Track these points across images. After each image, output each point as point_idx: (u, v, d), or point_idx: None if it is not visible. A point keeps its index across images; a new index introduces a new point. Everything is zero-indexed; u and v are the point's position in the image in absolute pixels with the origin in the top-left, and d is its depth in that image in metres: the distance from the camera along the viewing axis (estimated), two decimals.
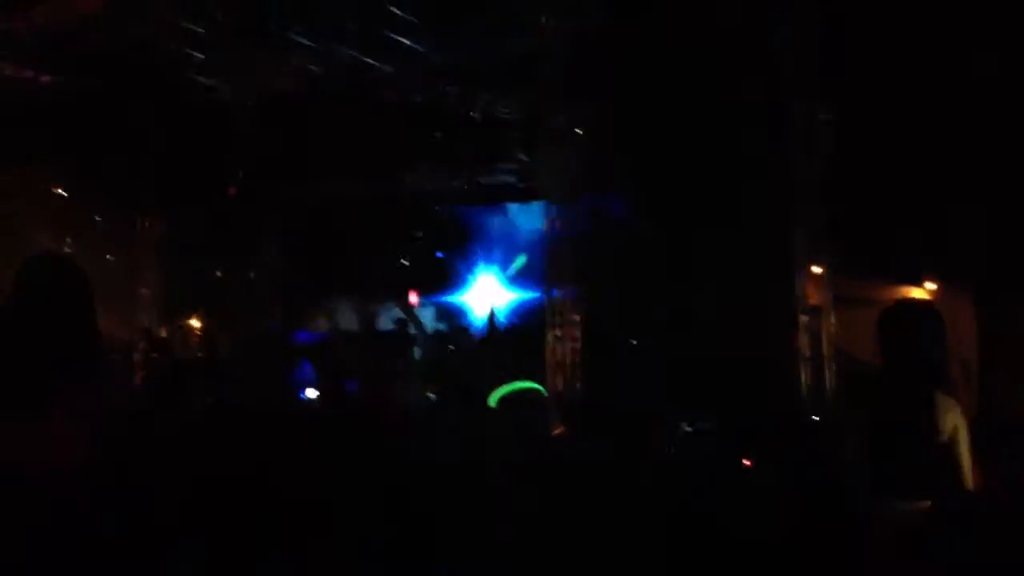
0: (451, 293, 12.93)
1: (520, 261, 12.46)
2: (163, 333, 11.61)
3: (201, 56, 10.28)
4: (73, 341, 1.82)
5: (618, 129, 9.72)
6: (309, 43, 9.83)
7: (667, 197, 9.69)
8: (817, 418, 8.05)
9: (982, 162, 7.81)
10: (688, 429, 6.46)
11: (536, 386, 3.46)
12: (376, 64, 10.01)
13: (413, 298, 12.55)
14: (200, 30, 9.92)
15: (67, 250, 11.84)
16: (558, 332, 9.43)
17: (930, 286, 9.25)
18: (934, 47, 7.69)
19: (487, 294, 12.66)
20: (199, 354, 11.46)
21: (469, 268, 12.84)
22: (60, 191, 11.83)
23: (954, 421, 2.74)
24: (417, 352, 11.41)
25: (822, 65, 8.42)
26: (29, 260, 2.00)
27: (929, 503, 2.47)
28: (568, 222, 9.46)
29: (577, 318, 9.42)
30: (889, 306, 3.30)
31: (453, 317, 12.83)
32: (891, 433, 2.78)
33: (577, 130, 9.42)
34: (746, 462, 4.76)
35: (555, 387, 9.09)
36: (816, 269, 8.68)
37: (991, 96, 7.57)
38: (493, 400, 3.42)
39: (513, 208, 12.65)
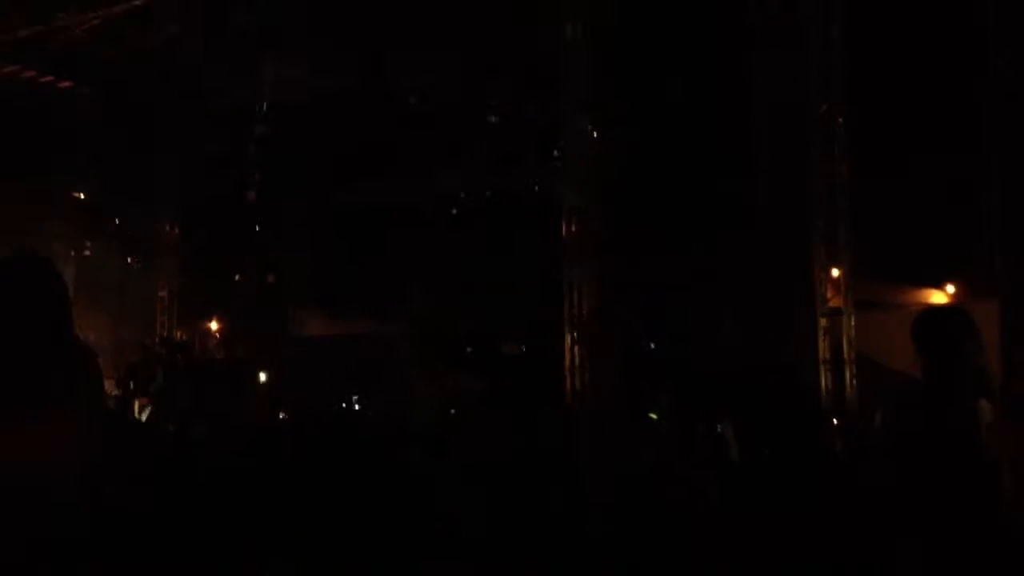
0: None
1: None
2: (182, 336, 11.64)
3: (217, 63, 10.30)
4: (49, 344, 1.81)
5: (636, 132, 9.71)
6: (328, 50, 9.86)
7: (685, 198, 9.67)
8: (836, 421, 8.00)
9: (1002, 164, 7.75)
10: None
11: None
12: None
13: None
14: (215, 38, 9.94)
15: (87, 253, 11.93)
16: (575, 335, 9.39)
17: (950, 289, 9.22)
18: (954, 43, 7.63)
19: None
20: (218, 356, 11.49)
21: None
22: (80, 196, 11.87)
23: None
24: None
25: (842, 66, 8.37)
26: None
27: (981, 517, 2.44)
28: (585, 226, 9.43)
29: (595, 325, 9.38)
30: (923, 312, 3.21)
31: None
32: (935, 446, 2.72)
33: (595, 134, 9.41)
34: None
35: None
36: (835, 271, 8.63)
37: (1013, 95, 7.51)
38: None
39: None
